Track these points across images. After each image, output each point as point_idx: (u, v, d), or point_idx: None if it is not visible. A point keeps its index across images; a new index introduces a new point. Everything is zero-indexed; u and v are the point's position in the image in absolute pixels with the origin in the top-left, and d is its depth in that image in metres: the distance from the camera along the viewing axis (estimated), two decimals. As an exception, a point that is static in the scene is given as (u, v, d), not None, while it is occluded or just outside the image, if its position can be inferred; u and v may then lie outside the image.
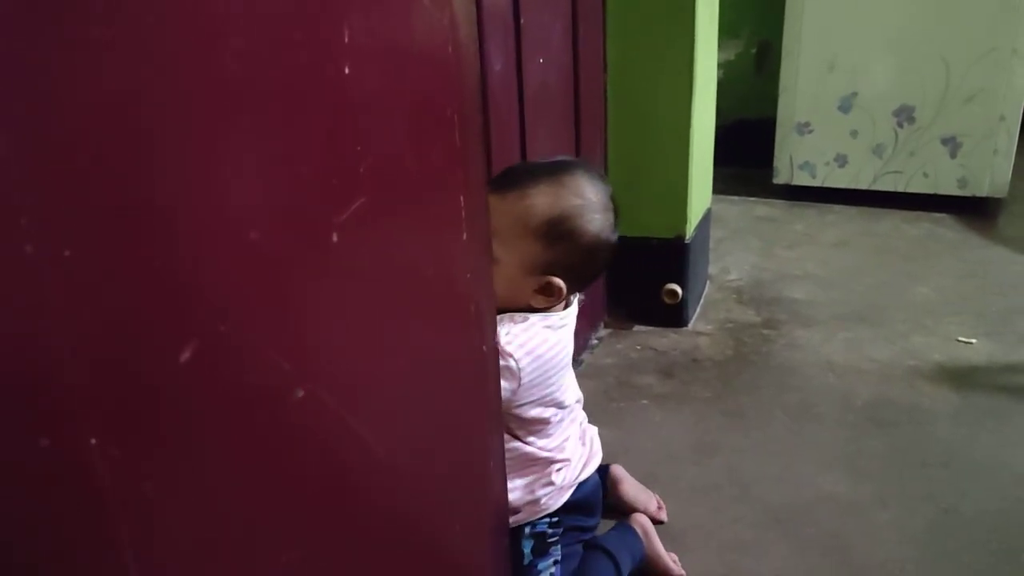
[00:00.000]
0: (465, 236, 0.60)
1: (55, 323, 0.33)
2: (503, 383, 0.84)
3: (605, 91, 1.65)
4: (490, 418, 0.72)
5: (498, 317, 0.84)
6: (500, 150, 1.22)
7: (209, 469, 0.42)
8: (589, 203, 0.87)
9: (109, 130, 0.35)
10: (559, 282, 0.88)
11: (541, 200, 0.85)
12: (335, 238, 0.45)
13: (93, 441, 0.35)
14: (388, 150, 0.50)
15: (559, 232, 0.86)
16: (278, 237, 0.42)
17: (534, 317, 0.89)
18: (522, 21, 1.23)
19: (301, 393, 0.45)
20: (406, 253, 0.53)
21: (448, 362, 0.62)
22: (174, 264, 0.38)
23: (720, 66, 2.79)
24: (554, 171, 0.87)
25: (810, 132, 2.48)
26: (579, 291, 0.95)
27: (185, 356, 0.39)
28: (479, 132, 0.64)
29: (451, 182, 0.57)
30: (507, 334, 0.87)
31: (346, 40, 0.46)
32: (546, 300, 0.89)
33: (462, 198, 0.58)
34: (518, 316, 0.89)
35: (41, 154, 0.32)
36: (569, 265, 0.87)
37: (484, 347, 0.68)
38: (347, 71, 0.46)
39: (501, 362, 0.84)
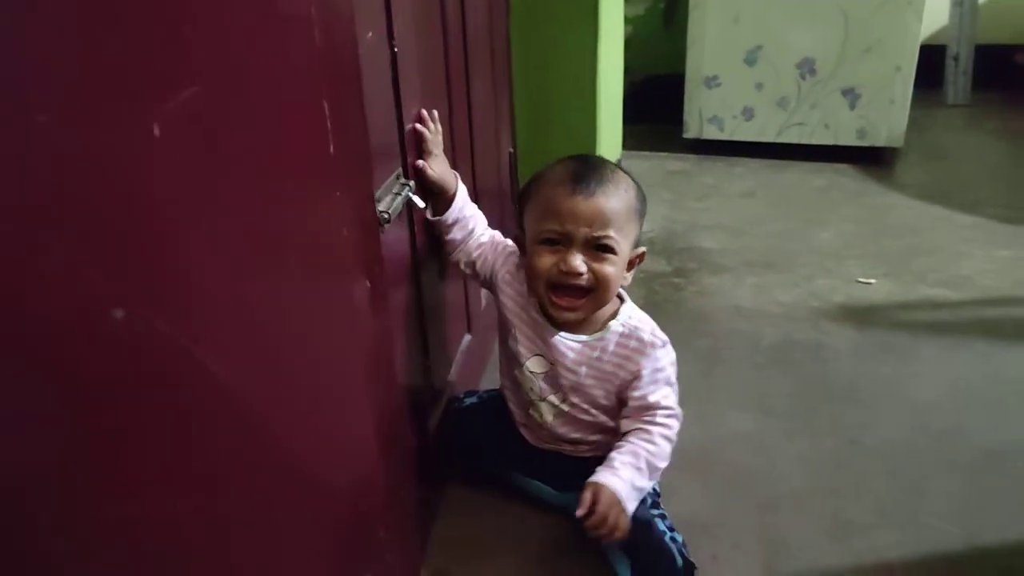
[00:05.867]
0: (332, 149, 0.53)
1: None
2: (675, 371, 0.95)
3: (508, 37, 1.59)
4: (364, 354, 0.66)
5: (631, 307, 0.96)
6: (457, 94, 1.13)
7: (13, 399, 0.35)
8: (632, 180, 0.95)
9: None
10: (645, 249, 0.96)
11: (628, 187, 0.91)
12: (157, 131, 0.39)
13: None
14: (224, 36, 0.43)
15: (643, 209, 0.93)
16: (73, 118, 0.35)
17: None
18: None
19: (120, 314, 0.38)
20: (254, 161, 0.47)
21: (309, 290, 0.56)
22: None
23: (629, 21, 2.77)
24: (608, 165, 0.94)
25: (718, 85, 2.49)
26: None
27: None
28: (351, 36, 0.57)
29: (311, 86, 0.51)
30: (651, 324, 0.95)
31: None
32: (630, 273, 0.94)
33: (326, 105, 0.52)
34: (634, 306, 0.97)
35: None
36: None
37: (359, 280, 0.62)
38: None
39: (672, 359, 0.94)
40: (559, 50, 1.60)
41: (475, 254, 1.02)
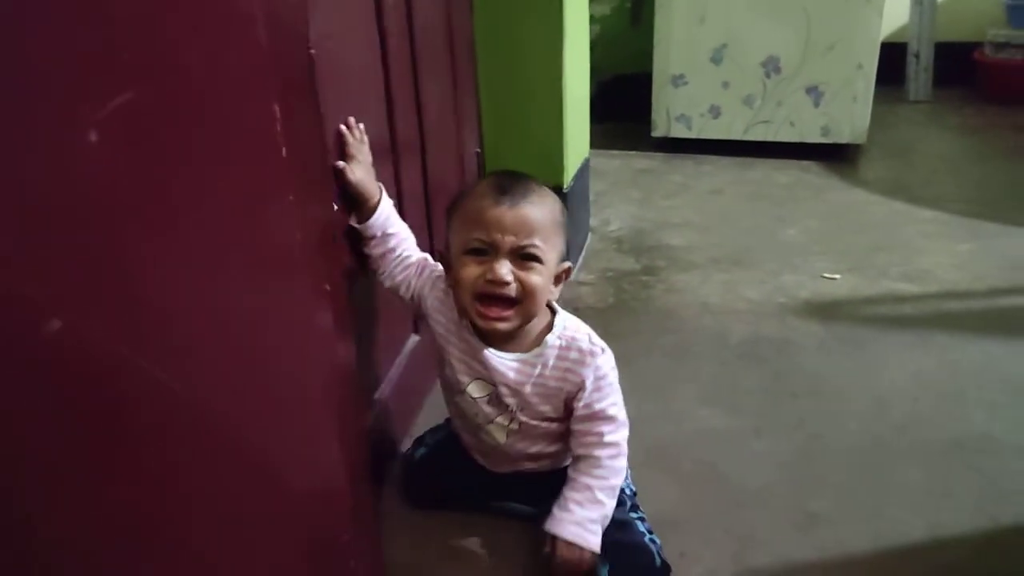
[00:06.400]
0: (284, 152, 0.52)
1: None
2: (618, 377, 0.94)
3: (472, 34, 1.58)
4: (326, 358, 0.66)
5: (564, 316, 0.95)
6: (399, 93, 1.12)
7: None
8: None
9: None
10: (571, 265, 0.96)
11: (548, 199, 0.91)
12: (93, 137, 0.37)
13: None
14: (164, 40, 0.42)
15: (565, 221, 0.92)
16: (4, 125, 0.33)
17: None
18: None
19: (57, 324, 0.37)
20: (201, 166, 0.46)
21: (264, 298, 0.55)
22: None
23: (596, 20, 2.78)
24: (529, 178, 0.93)
25: (685, 84, 2.51)
26: None
27: None
28: (302, 35, 0.56)
29: (259, 88, 0.50)
30: (587, 332, 0.94)
31: None
32: (557, 287, 0.94)
33: (277, 108, 0.51)
34: (568, 314, 0.96)
35: None
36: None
37: (317, 285, 0.61)
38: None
39: (611, 364, 0.93)
40: (524, 50, 1.59)
41: (399, 278, 0.99)
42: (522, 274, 0.86)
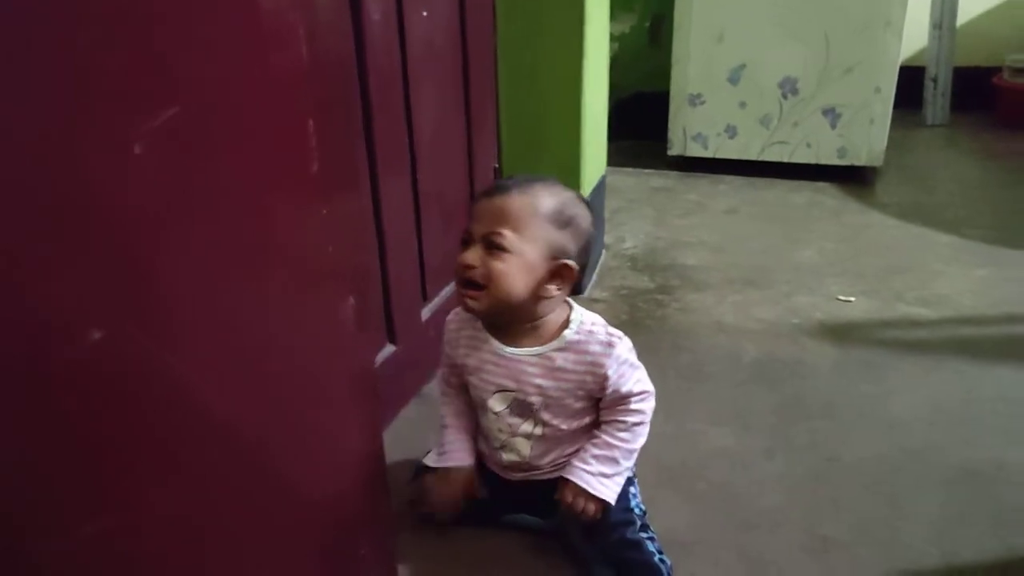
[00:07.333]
0: (316, 167, 0.54)
1: None
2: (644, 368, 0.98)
3: (495, 54, 1.61)
4: (349, 370, 0.66)
5: (581, 311, 0.97)
6: (382, 106, 1.16)
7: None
8: (577, 199, 0.96)
9: None
10: (573, 263, 0.93)
11: (543, 194, 0.92)
12: (137, 149, 0.39)
13: None
14: (210, 55, 0.43)
15: (565, 218, 0.92)
16: (48, 139, 0.35)
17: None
18: (399, -31, 1.17)
19: (98, 335, 0.38)
20: (237, 179, 0.47)
21: (294, 308, 0.56)
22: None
23: (616, 39, 2.80)
24: (539, 179, 0.95)
25: (702, 103, 2.52)
26: (580, 281, 0.98)
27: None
28: (337, 51, 0.58)
29: (296, 102, 0.51)
30: (602, 323, 0.97)
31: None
32: (558, 287, 0.93)
33: (311, 122, 0.52)
34: (583, 309, 0.98)
35: None
36: (576, 251, 0.94)
37: (344, 297, 0.62)
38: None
39: (629, 347, 0.96)
40: (544, 67, 1.61)
41: (465, 395, 1.04)
42: (488, 260, 0.90)
